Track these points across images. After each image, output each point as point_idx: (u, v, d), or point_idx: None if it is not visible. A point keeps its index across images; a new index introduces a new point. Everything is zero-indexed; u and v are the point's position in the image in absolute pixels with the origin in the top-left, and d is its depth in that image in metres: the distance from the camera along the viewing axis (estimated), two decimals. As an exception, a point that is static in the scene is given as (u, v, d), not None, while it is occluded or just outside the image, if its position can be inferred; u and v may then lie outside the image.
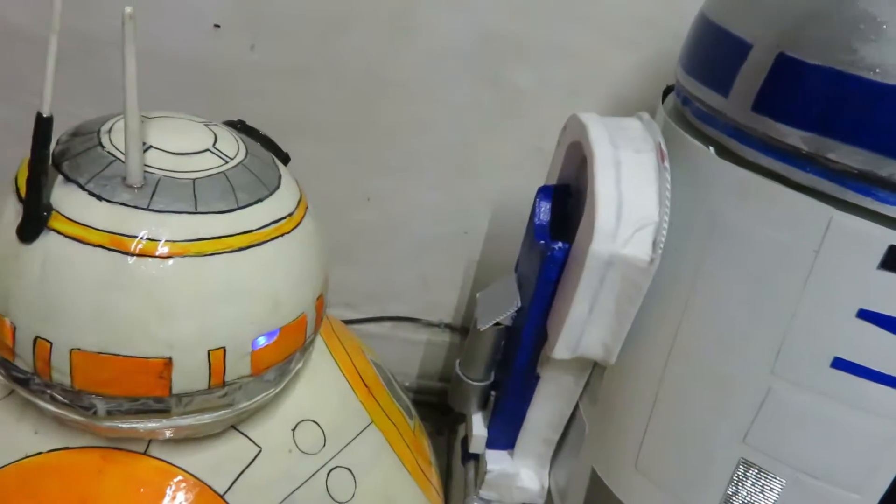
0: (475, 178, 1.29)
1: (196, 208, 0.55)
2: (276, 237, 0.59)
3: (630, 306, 0.80)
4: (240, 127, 0.69)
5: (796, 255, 0.68)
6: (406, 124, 1.24)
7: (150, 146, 0.57)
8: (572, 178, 0.94)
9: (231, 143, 0.61)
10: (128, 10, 0.49)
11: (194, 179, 0.56)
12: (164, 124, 0.60)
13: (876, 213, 0.64)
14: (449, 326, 1.46)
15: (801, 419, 0.73)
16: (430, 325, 1.46)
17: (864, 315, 0.67)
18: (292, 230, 0.61)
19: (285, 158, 0.71)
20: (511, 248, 1.12)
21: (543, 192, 0.93)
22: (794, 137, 0.66)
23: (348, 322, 1.44)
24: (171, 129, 0.60)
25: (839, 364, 0.69)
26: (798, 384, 0.72)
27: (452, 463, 1.27)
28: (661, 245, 0.76)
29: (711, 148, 0.75)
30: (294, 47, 1.17)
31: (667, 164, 0.78)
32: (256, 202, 0.58)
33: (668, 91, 0.92)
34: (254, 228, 0.57)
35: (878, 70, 0.60)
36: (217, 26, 1.15)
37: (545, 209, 0.91)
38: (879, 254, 0.64)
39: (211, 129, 0.62)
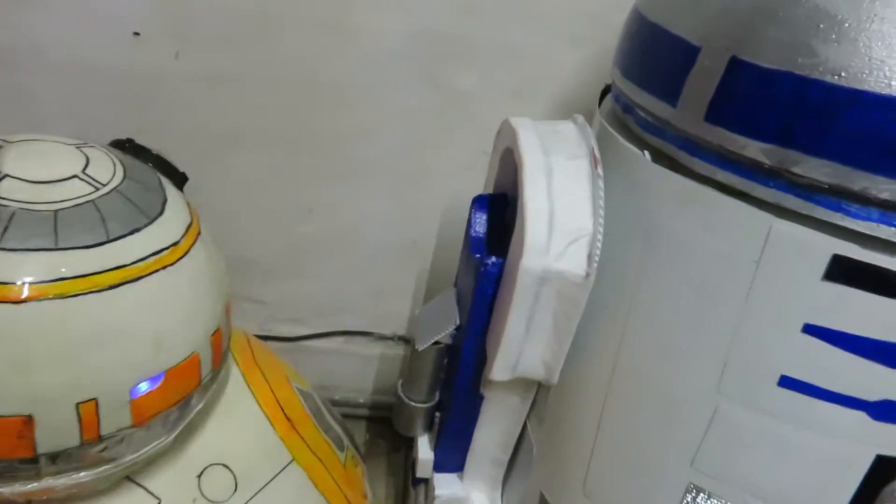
0: (422, 185, 1.24)
1: (57, 244, 0.49)
2: (157, 271, 0.53)
3: (568, 323, 0.75)
4: (128, 146, 0.63)
5: (736, 265, 0.63)
6: (346, 131, 1.18)
7: (6, 175, 0.51)
8: (509, 187, 0.89)
9: (105, 167, 0.55)
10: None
11: (56, 211, 0.50)
12: (25, 149, 0.54)
13: (819, 221, 0.59)
14: (403, 339, 1.40)
15: (749, 441, 0.68)
16: (383, 338, 1.40)
17: (810, 330, 0.62)
18: (177, 261, 0.55)
19: (181, 179, 0.65)
20: (461, 256, 1.07)
21: (478, 202, 0.88)
22: (754, 150, 0.60)
23: (298, 339, 1.38)
24: (32, 154, 0.54)
25: (787, 382, 0.64)
26: (745, 404, 0.67)
27: (409, 482, 1.21)
28: (597, 258, 0.71)
29: (646, 152, 0.70)
30: (222, 53, 1.10)
31: (600, 170, 0.73)
32: (131, 233, 0.52)
33: (606, 91, 0.87)
34: (128, 263, 0.51)
35: (843, 74, 0.55)
36: (137, 34, 1.08)
37: (481, 220, 0.86)
38: (823, 264, 0.59)
39: (83, 152, 0.56)
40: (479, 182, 1.08)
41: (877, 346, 0.60)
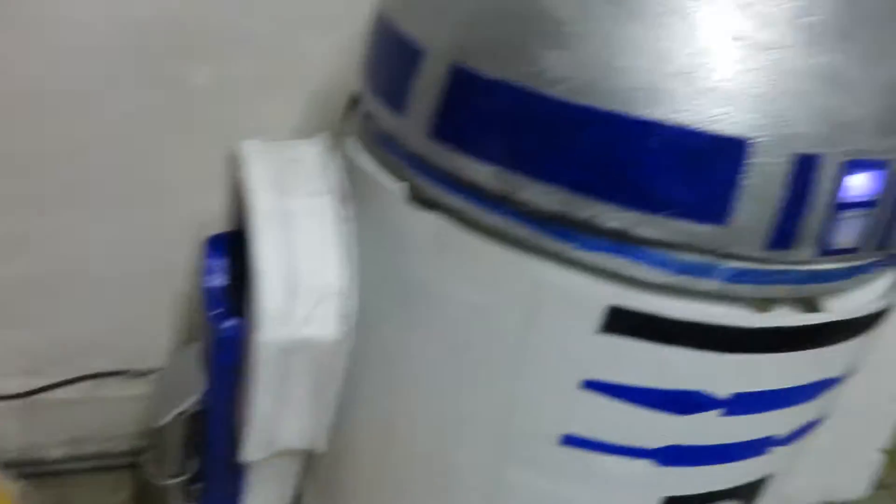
0: (162, 204, 1.05)
1: None
2: None
3: (326, 391, 0.63)
4: None
5: (505, 321, 0.55)
6: (54, 147, 0.96)
7: None
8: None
9: None
10: None
11: None
12: None
13: (590, 267, 0.51)
14: (164, 373, 1.22)
15: (541, 506, 0.61)
16: (140, 375, 1.21)
17: (590, 385, 0.55)
18: None
19: None
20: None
21: (213, 245, 0.72)
22: (480, 173, 0.51)
23: (30, 393, 1.15)
24: None
25: (569, 441, 0.57)
26: (529, 468, 0.60)
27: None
28: (352, 317, 0.60)
29: (400, 185, 0.59)
30: None
31: (349, 208, 0.61)
32: None
33: (356, 101, 0.74)
34: None
35: (564, 86, 0.47)
36: None
37: (217, 268, 0.71)
38: (598, 315, 0.52)
39: None
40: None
41: (659, 395, 0.54)
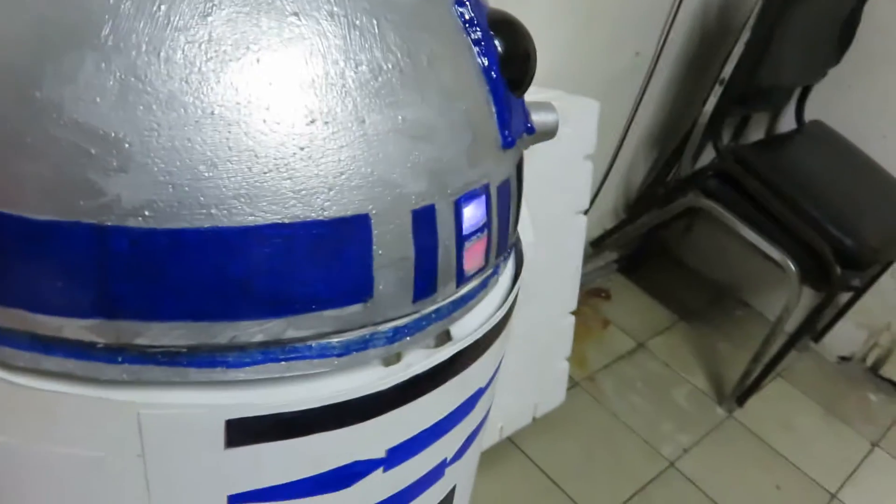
0: None
1: None
2: None
3: None
4: None
5: (118, 468, 0.44)
6: None
7: None
8: None
9: None
10: None
11: None
12: None
13: (195, 384, 0.42)
14: None
15: None
16: None
17: (238, 499, 0.47)
18: None
19: None
20: None
21: None
22: (76, 329, 0.39)
23: None
24: None
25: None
26: None
27: None
28: None
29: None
30: None
31: None
32: None
33: None
34: None
35: (147, 213, 0.36)
36: None
37: None
38: (220, 433, 0.43)
39: None
40: None
41: (315, 480, 0.49)
